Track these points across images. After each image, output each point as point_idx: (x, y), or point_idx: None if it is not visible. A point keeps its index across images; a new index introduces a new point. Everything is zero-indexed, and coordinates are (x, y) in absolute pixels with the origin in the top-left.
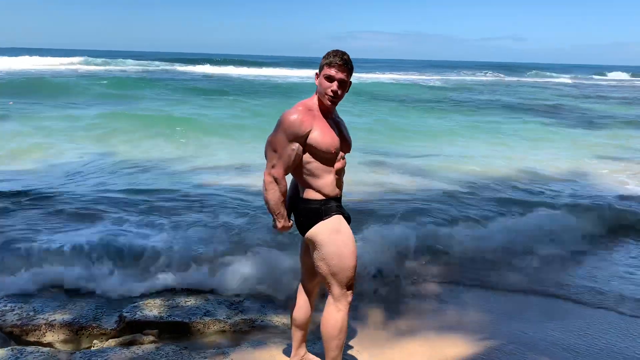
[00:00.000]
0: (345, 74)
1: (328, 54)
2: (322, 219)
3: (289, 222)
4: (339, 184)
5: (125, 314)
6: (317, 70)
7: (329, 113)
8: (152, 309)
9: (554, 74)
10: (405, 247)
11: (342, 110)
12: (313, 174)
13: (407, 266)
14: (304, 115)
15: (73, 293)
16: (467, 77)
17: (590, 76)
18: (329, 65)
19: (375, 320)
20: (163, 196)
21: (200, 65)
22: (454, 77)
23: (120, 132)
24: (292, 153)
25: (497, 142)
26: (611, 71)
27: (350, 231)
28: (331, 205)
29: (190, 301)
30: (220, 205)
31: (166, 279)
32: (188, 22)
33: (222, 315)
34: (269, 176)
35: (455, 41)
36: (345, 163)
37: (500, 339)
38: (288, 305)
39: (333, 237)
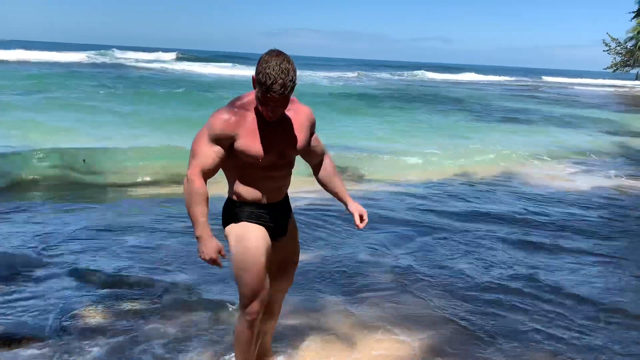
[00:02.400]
0: (284, 101)
1: (266, 74)
2: (232, 222)
3: (213, 241)
4: (268, 190)
5: (65, 323)
6: (254, 73)
7: None
8: (96, 315)
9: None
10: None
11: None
12: (235, 173)
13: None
14: (233, 116)
15: (2, 301)
16: (403, 77)
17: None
18: (267, 91)
19: (335, 319)
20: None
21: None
22: (386, 76)
23: None
24: (211, 154)
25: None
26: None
27: (260, 245)
28: (245, 210)
29: (138, 305)
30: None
31: (107, 281)
32: (106, 10)
33: (178, 318)
34: (186, 175)
35: (388, 41)
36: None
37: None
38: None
39: (235, 244)
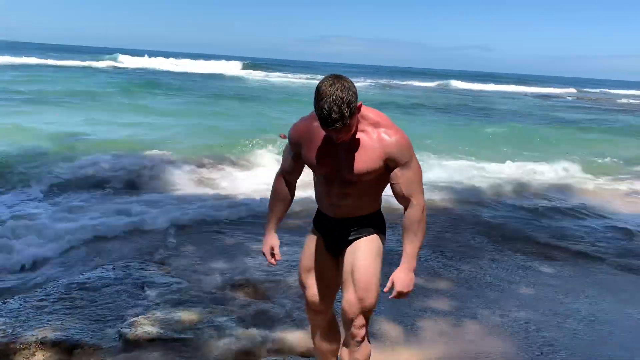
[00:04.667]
0: (343, 132)
1: (321, 109)
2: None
3: (270, 237)
4: (326, 204)
5: (124, 330)
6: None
7: None
8: (154, 323)
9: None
10: None
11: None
12: (315, 182)
13: None
14: (301, 124)
15: (66, 305)
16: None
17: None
18: (323, 126)
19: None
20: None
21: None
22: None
23: None
24: (288, 158)
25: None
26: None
27: (308, 250)
28: (316, 216)
29: (194, 315)
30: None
31: (165, 289)
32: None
33: (232, 330)
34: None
35: (426, 49)
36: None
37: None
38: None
39: None
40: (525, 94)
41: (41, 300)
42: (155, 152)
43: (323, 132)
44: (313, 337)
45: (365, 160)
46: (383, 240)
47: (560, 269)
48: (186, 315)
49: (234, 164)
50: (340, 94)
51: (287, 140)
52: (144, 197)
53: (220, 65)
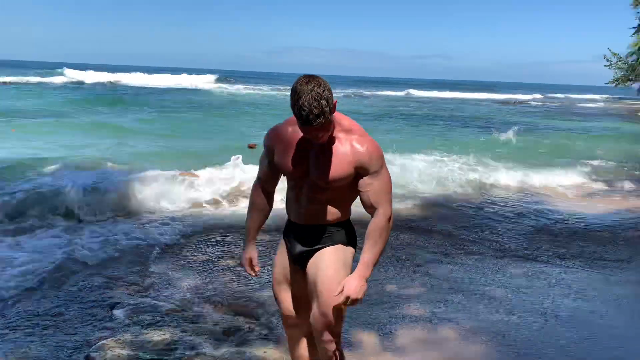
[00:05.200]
0: (322, 129)
1: (300, 107)
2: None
3: (249, 249)
4: (294, 209)
5: (92, 355)
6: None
7: None
8: (124, 346)
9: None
10: None
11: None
12: (287, 190)
13: None
14: (275, 130)
15: (27, 332)
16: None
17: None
18: (303, 124)
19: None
20: None
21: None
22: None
23: None
24: (264, 165)
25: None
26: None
27: (277, 261)
28: (285, 228)
29: (166, 335)
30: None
31: (135, 310)
32: (123, 32)
33: (205, 349)
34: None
35: (387, 58)
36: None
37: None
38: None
39: None
40: (489, 101)
41: (2, 328)
42: (118, 169)
43: (297, 137)
44: (291, 351)
45: (336, 166)
46: (352, 251)
47: (528, 269)
48: (158, 335)
49: (201, 178)
50: (318, 90)
51: (255, 150)
52: (109, 216)
53: (183, 79)
